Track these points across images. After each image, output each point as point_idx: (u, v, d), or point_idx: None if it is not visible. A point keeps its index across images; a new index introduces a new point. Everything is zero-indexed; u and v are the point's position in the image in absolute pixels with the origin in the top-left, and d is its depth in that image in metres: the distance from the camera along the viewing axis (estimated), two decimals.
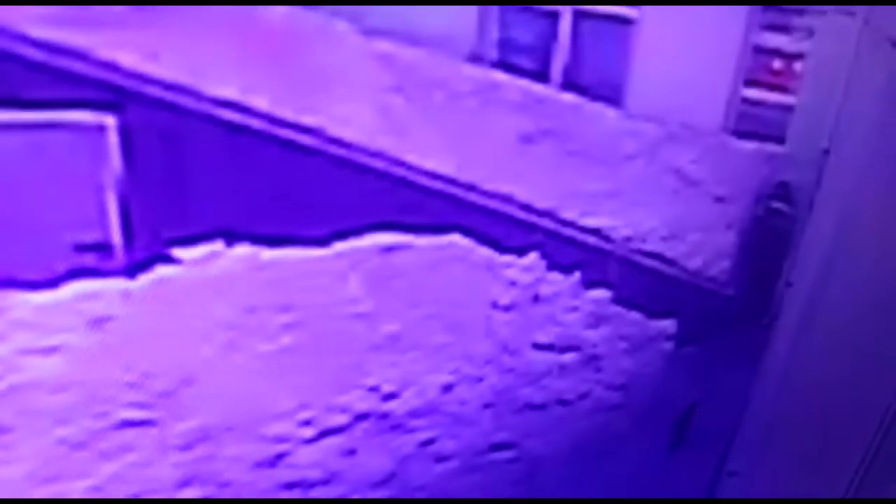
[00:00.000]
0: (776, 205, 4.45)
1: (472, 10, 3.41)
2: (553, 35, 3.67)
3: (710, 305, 4.29)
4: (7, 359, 2.79)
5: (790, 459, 3.66)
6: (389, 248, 3.37)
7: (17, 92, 2.64)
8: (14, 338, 2.78)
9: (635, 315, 4.10)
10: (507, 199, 3.54)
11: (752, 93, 4.07)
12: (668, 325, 4.21)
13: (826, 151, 3.99)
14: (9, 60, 2.58)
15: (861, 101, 3.63)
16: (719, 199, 4.08)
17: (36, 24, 2.57)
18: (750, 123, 4.14)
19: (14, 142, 2.66)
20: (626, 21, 3.64)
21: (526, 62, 3.62)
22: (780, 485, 3.60)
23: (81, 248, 2.75)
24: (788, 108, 4.18)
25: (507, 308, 3.71)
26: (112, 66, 2.67)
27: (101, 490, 3.05)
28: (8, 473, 2.89)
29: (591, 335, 3.98)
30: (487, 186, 3.46)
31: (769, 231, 4.40)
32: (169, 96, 2.79)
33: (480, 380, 3.72)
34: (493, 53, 3.58)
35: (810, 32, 4.12)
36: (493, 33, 3.57)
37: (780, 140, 4.20)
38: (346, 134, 3.12)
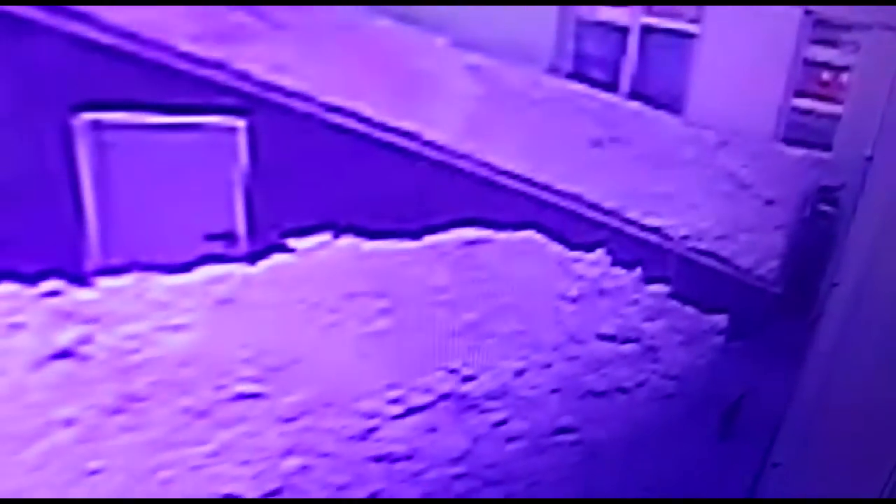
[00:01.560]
0: (822, 208, 4.71)
1: (551, 26, 3.73)
2: (622, 49, 3.98)
3: (760, 302, 4.54)
4: (145, 335, 3.12)
5: (832, 453, 3.88)
6: (471, 242, 3.67)
7: (162, 98, 3.00)
8: (151, 316, 3.12)
9: (690, 310, 4.36)
10: (577, 198, 3.83)
11: (802, 102, 4.35)
12: (720, 319, 4.46)
13: (869, 158, 4.23)
14: (158, 70, 2.94)
15: None
16: (769, 202, 4.34)
17: (183, 38, 2.92)
18: (799, 131, 4.40)
19: (157, 141, 3.01)
20: (688, 35, 3.95)
21: (598, 73, 3.93)
22: (821, 477, 3.82)
23: (211, 237, 3.08)
24: (835, 117, 4.46)
25: (574, 300, 3.99)
26: (244, 76, 3.01)
27: (217, 455, 3.36)
28: (139, 438, 3.22)
29: (650, 327, 4.24)
30: (560, 186, 3.75)
31: (815, 232, 4.64)
32: (289, 102, 3.13)
33: (549, 366, 4.00)
34: (569, 65, 3.90)
35: (857, 47, 4.40)
36: (569, 47, 3.89)
37: (826, 147, 4.46)
38: (438, 137, 3.45)
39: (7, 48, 2.60)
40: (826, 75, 4.46)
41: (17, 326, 2.94)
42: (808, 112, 4.46)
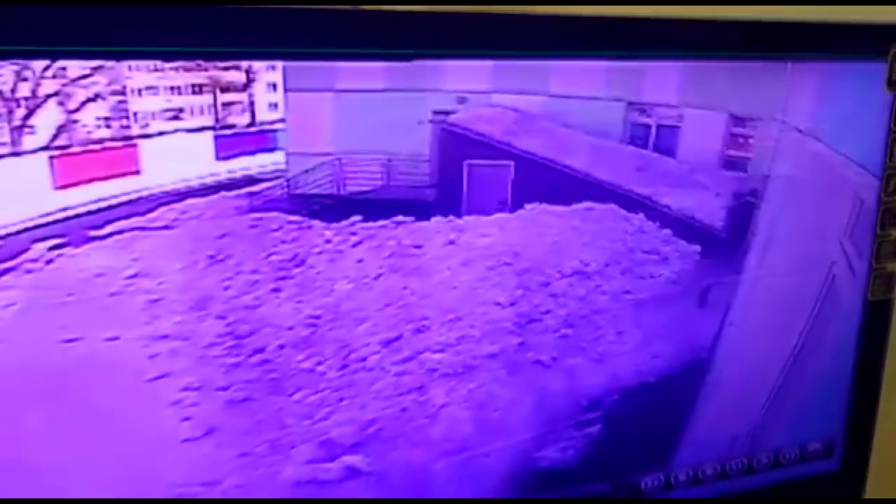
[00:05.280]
0: (747, 198, 9.50)
1: (620, 120, 8.82)
2: (649, 131, 9.02)
3: (714, 240, 9.31)
4: (471, 241, 8.23)
5: (763, 314, 8.35)
6: (589, 209, 8.66)
7: (486, 156, 8.17)
8: (478, 229, 8.24)
9: (682, 241, 9.14)
10: (630, 190, 8.80)
11: (730, 151, 9.24)
12: (697, 247, 9.26)
13: (766, 177, 9.03)
14: (485, 145, 8.11)
15: (784, 158, 8.64)
16: (717, 195, 9.17)
17: (497, 133, 8.10)
18: (728, 165, 9.29)
19: (483, 171, 8.17)
20: (676, 127, 8.97)
21: (638, 142, 8.92)
22: (759, 332, 8.31)
23: (498, 203, 8.19)
24: (749, 158, 9.31)
25: (630, 234, 8.89)
26: (514, 146, 8.13)
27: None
28: (470, 277, 8.32)
29: (664, 248, 9.04)
30: (624, 185, 8.74)
31: (742, 208, 9.44)
32: (528, 157, 8.25)
33: (620, 262, 8.88)
34: (628, 138, 8.90)
35: (756, 126, 9.26)
36: (628, 131, 8.93)
37: (745, 171, 9.32)
38: (574, 165, 8.52)
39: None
40: (741, 140, 9.34)
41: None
42: (733, 157, 9.34)
